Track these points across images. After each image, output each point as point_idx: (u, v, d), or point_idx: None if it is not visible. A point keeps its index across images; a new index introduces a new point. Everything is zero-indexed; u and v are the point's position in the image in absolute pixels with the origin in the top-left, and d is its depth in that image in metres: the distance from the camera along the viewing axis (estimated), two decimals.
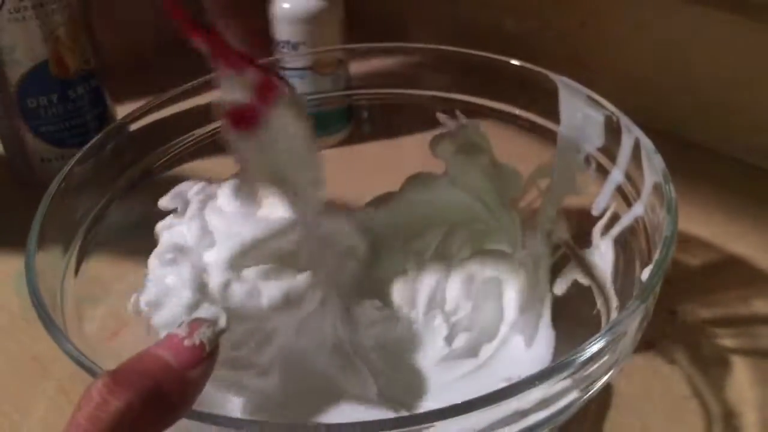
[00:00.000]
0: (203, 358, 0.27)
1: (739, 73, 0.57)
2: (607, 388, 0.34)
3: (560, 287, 0.47)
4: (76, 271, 0.41)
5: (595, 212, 0.46)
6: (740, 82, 0.58)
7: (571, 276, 0.47)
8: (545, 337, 0.44)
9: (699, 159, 0.60)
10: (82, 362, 0.30)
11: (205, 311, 0.28)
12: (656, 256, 0.36)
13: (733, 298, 0.48)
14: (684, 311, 0.47)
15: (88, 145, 0.45)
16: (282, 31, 0.61)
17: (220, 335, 0.28)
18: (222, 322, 0.28)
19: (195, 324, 0.28)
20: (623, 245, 0.44)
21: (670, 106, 0.61)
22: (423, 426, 0.28)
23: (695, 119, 0.61)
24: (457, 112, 0.51)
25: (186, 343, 0.27)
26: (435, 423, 0.28)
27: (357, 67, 0.58)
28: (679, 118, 0.61)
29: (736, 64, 0.57)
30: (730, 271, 0.50)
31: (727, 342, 0.45)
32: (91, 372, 0.30)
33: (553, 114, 0.48)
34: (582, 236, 0.47)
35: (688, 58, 0.60)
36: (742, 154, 0.59)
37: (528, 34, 0.65)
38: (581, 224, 0.47)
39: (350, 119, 0.63)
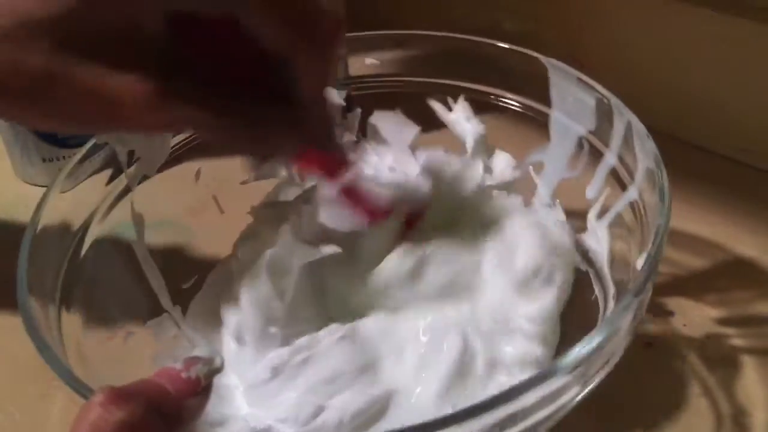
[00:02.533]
0: (198, 392, 0.27)
1: (738, 74, 0.55)
2: (615, 386, 0.32)
3: None
4: (75, 272, 0.40)
5: (589, 195, 0.44)
6: (740, 82, 0.56)
7: None
8: None
9: (699, 160, 0.58)
10: (77, 388, 0.30)
11: (201, 351, 0.29)
12: (649, 245, 0.33)
13: (734, 298, 0.46)
14: (685, 311, 0.46)
15: (86, 146, 0.42)
16: None
17: (215, 374, 0.28)
18: (217, 362, 0.28)
19: (191, 361, 0.28)
20: (619, 230, 0.41)
21: (670, 106, 0.59)
22: None
23: (695, 120, 0.59)
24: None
25: (183, 375, 0.27)
26: None
27: (354, 63, 0.55)
28: (678, 119, 0.59)
29: (735, 65, 0.55)
30: (730, 272, 0.48)
31: (732, 342, 0.44)
32: (85, 396, 0.29)
33: (545, 97, 0.46)
34: (577, 220, 0.45)
35: (687, 58, 0.58)
36: (742, 156, 0.57)
37: (526, 35, 0.62)
38: (576, 208, 0.45)
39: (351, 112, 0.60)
